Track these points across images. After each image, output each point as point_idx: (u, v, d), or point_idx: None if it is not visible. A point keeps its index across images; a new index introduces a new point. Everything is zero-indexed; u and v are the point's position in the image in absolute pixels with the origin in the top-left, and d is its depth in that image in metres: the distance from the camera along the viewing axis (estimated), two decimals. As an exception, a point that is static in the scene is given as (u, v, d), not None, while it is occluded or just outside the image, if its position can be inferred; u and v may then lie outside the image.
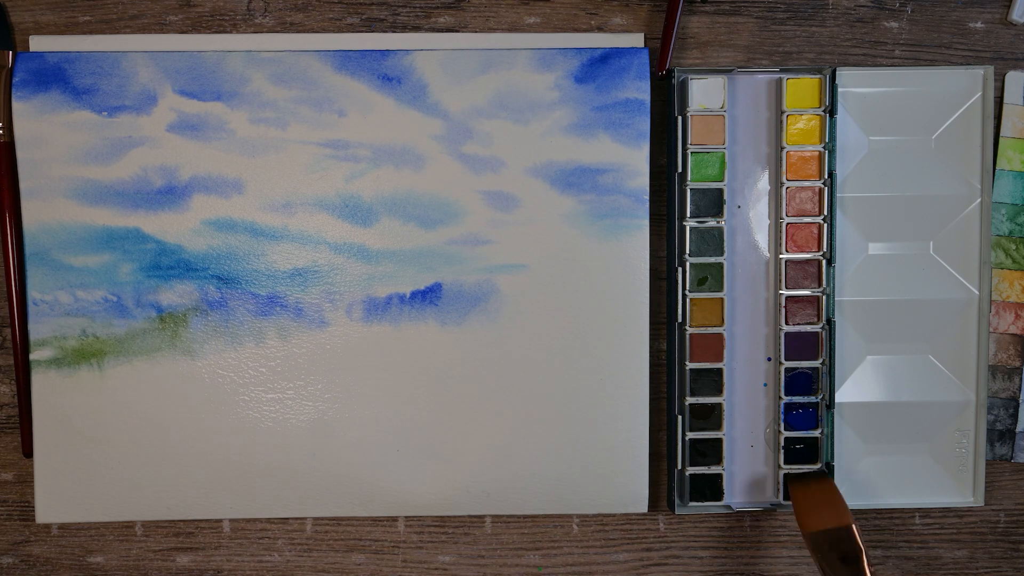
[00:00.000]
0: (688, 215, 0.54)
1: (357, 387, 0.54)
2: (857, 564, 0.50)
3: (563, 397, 0.54)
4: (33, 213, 0.53)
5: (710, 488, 0.55)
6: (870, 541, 0.57)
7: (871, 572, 0.50)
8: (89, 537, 0.56)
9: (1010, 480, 0.58)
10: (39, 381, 0.54)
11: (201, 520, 0.56)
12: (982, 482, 0.56)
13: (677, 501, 0.55)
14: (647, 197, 0.54)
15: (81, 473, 0.54)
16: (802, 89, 0.54)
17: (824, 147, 0.54)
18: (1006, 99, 0.56)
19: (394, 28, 0.55)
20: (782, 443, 0.55)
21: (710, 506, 0.55)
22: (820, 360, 0.55)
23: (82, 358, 0.54)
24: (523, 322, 0.54)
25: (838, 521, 0.51)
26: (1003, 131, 0.56)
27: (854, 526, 0.51)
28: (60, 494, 0.54)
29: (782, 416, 0.55)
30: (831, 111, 0.54)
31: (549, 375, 0.54)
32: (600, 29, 0.55)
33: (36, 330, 0.53)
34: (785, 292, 0.55)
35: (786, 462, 0.55)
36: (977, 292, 0.56)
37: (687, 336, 0.55)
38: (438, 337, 0.54)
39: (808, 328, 0.55)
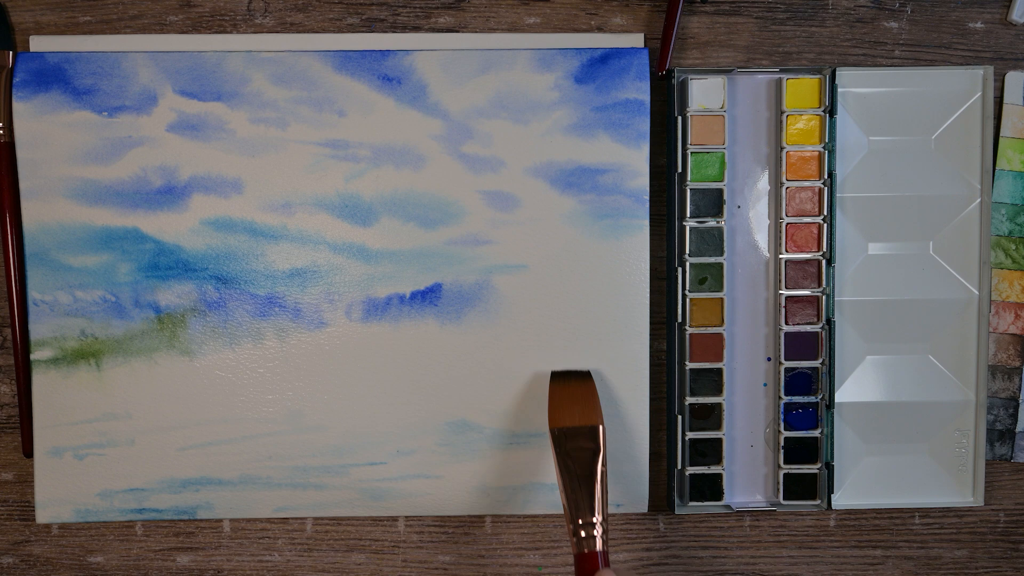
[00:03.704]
0: (688, 215, 0.54)
1: (356, 387, 0.54)
2: (591, 463, 0.49)
3: (563, 397, 0.55)
4: (33, 213, 0.53)
5: (710, 488, 0.55)
6: (870, 541, 0.58)
7: (603, 474, 0.48)
8: (89, 537, 0.56)
9: (1010, 480, 0.58)
10: (39, 381, 0.54)
11: (201, 520, 0.56)
12: (982, 482, 0.56)
13: (677, 501, 0.55)
14: (647, 197, 0.54)
15: (81, 473, 0.54)
16: (802, 89, 0.54)
17: (824, 147, 0.54)
18: (1006, 99, 0.56)
19: (394, 28, 0.55)
20: (782, 443, 0.55)
21: (710, 506, 0.55)
22: (820, 360, 0.55)
23: (80, 358, 0.54)
24: (523, 322, 0.54)
25: (585, 420, 0.50)
26: (1003, 131, 0.56)
27: (601, 428, 0.50)
28: (60, 494, 0.54)
29: (782, 416, 0.55)
30: (831, 111, 0.54)
31: (549, 375, 0.54)
32: (600, 29, 0.55)
33: (36, 330, 0.53)
34: (785, 292, 0.55)
35: (786, 462, 0.55)
36: (977, 292, 0.56)
37: (687, 336, 0.55)
38: (438, 337, 0.54)
39: (808, 328, 0.55)
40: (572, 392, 0.52)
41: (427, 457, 0.55)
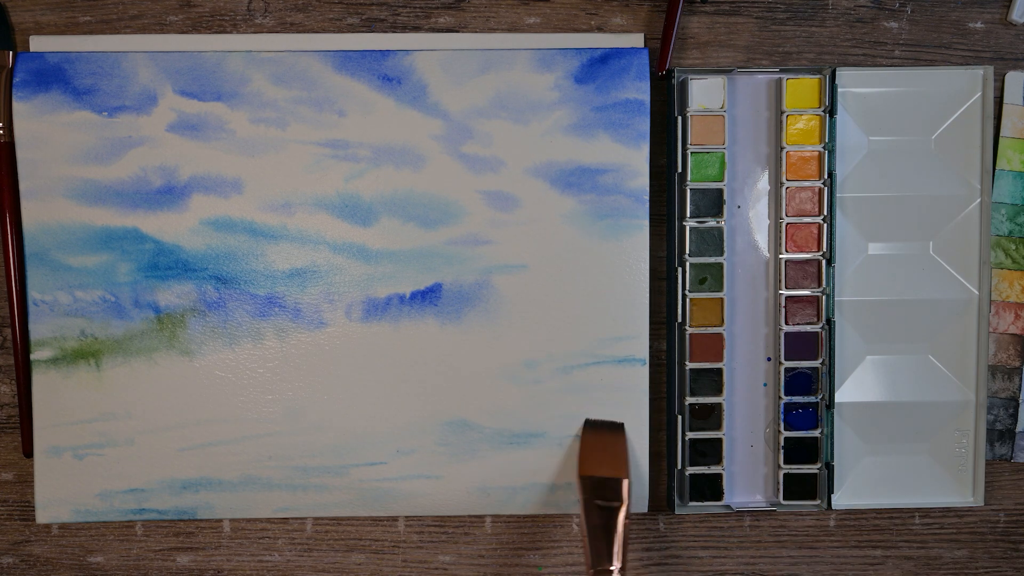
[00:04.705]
0: (688, 215, 0.54)
1: (356, 387, 0.54)
2: (613, 516, 0.50)
3: (563, 397, 0.54)
4: (33, 213, 0.53)
5: (710, 488, 0.55)
6: (870, 541, 0.57)
7: (625, 526, 0.50)
8: (89, 537, 0.56)
9: (1010, 480, 0.58)
10: (39, 381, 0.54)
11: (201, 520, 0.56)
12: (982, 482, 0.56)
13: (677, 501, 0.55)
14: (647, 197, 0.54)
15: (81, 473, 0.54)
16: (802, 89, 0.54)
17: (824, 147, 0.54)
18: (1006, 99, 0.56)
19: (394, 28, 0.55)
20: (782, 443, 0.55)
21: (710, 506, 0.55)
22: (820, 360, 0.55)
23: (80, 358, 0.54)
24: (523, 322, 0.54)
25: (613, 472, 0.51)
26: (1003, 131, 0.56)
27: (625, 482, 0.51)
28: (60, 494, 0.54)
29: (782, 416, 0.55)
30: (831, 111, 0.54)
31: (549, 375, 0.54)
32: (600, 29, 0.55)
33: (36, 330, 0.53)
34: (785, 292, 0.55)
35: (786, 462, 0.55)
36: (977, 292, 0.56)
37: (687, 336, 0.55)
38: (438, 337, 0.54)
39: (808, 328, 0.55)
40: (604, 443, 0.53)
41: (427, 457, 0.55)
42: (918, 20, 0.56)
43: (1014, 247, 0.56)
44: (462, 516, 0.57)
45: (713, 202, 0.54)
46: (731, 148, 0.55)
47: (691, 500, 0.55)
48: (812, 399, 0.55)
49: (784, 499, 0.55)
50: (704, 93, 0.54)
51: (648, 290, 0.55)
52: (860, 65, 0.56)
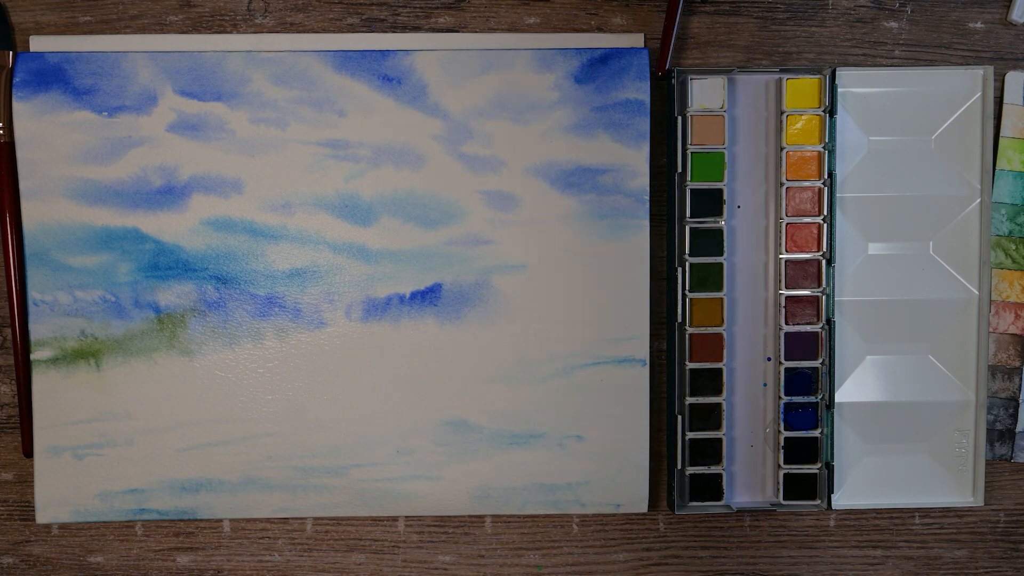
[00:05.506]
0: (688, 215, 0.54)
1: (356, 387, 0.54)
2: None
3: (563, 397, 0.55)
4: (33, 213, 0.53)
5: (710, 488, 0.55)
6: (870, 541, 0.57)
7: None
8: (89, 537, 0.56)
9: (1010, 480, 0.58)
10: (39, 381, 0.54)
11: (201, 520, 0.56)
12: (982, 482, 0.56)
13: (677, 501, 0.55)
14: (647, 197, 0.54)
15: (81, 473, 0.54)
16: (802, 89, 0.54)
17: (824, 147, 0.54)
18: (1006, 99, 0.56)
19: (394, 28, 0.55)
20: (782, 443, 0.55)
21: (710, 506, 0.55)
22: (820, 360, 0.55)
23: (80, 358, 0.54)
24: (523, 322, 0.54)
25: None
26: (1003, 131, 0.56)
27: None
28: (60, 494, 0.54)
29: (782, 416, 0.55)
30: (831, 111, 0.54)
31: (549, 375, 0.54)
32: (600, 29, 0.55)
33: (36, 330, 0.53)
34: (785, 292, 0.55)
35: (786, 462, 0.55)
36: (977, 292, 0.56)
37: (687, 336, 0.55)
38: (438, 337, 0.54)
39: (808, 328, 0.55)
40: None
41: (427, 457, 0.55)
42: (918, 20, 0.56)
43: (1014, 247, 0.56)
44: (462, 516, 0.57)
45: (713, 202, 0.54)
46: (731, 148, 0.55)
47: (691, 500, 0.55)
48: (812, 399, 0.55)
49: (784, 499, 0.55)
50: (704, 93, 0.54)
51: (648, 290, 0.55)
52: (860, 65, 0.56)
